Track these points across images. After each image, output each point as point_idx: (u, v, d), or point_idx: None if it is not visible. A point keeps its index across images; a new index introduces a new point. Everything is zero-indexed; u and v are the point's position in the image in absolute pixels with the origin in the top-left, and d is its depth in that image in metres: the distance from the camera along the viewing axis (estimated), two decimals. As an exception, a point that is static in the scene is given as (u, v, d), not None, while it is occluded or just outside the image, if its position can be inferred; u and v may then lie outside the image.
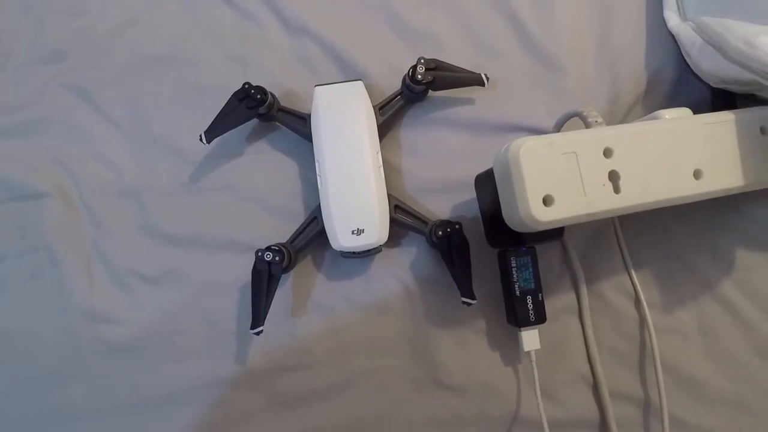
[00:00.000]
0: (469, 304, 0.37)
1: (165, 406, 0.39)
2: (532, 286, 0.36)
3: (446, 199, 0.41)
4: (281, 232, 0.40)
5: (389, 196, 0.39)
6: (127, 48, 0.45)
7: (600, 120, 0.34)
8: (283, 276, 0.38)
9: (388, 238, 0.38)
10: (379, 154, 0.39)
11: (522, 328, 0.36)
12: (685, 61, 0.41)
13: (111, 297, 0.41)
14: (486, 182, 0.37)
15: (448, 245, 0.37)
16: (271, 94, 0.40)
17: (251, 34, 0.45)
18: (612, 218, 0.40)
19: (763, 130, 0.33)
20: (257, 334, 0.36)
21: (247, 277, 0.37)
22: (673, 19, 0.42)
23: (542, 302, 0.36)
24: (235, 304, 0.40)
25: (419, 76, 0.39)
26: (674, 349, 0.39)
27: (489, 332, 0.40)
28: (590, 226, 0.40)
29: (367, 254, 0.38)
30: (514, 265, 0.36)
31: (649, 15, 0.44)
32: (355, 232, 0.37)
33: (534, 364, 0.37)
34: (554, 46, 0.43)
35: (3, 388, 0.40)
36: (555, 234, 0.35)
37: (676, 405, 0.38)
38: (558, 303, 0.40)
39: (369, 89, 0.40)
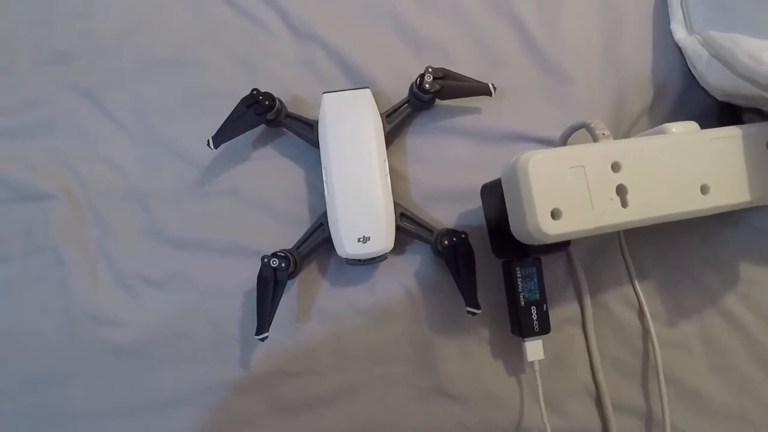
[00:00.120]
0: (473, 314, 0.37)
1: (167, 409, 0.39)
2: (537, 296, 0.36)
3: (452, 208, 0.41)
4: (286, 238, 0.40)
5: (395, 204, 0.39)
6: (134, 50, 0.45)
7: (607, 132, 0.34)
8: (288, 282, 0.38)
9: (393, 245, 0.38)
10: (386, 162, 0.39)
11: (526, 339, 0.36)
12: (691, 73, 0.41)
13: (115, 299, 0.41)
14: (492, 192, 0.37)
15: (454, 254, 0.37)
16: (279, 101, 0.40)
17: (259, 39, 0.45)
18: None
19: (769, 146, 0.33)
20: (262, 340, 0.36)
21: (252, 281, 0.37)
22: (679, 31, 0.42)
23: (547, 313, 0.36)
24: (240, 309, 0.40)
25: (427, 85, 0.39)
26: (677, 361, 0.39)
27: (492, 342, 0.40)
28: (595, 237, 0.40)
29: (372, 262, 0.38)
30: (519, 275, 0.36)
31: (656, 27, 0.44)
32: (361, 239, 0.37)
33: (537, 374, 0.37)
34: (561, 57, 0.43)
35: (4, 388, 0.40)
36: (561, 245, 0.35)
37: (679, 417, 0.38)
38: (562, 313, 0.40)
39: (376, 96, 0.41)
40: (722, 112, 0.40)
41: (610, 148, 0.30)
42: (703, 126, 0.34)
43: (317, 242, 0.39)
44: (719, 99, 0.39)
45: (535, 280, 0.36)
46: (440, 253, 0.38)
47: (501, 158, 0.40)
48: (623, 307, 0.40)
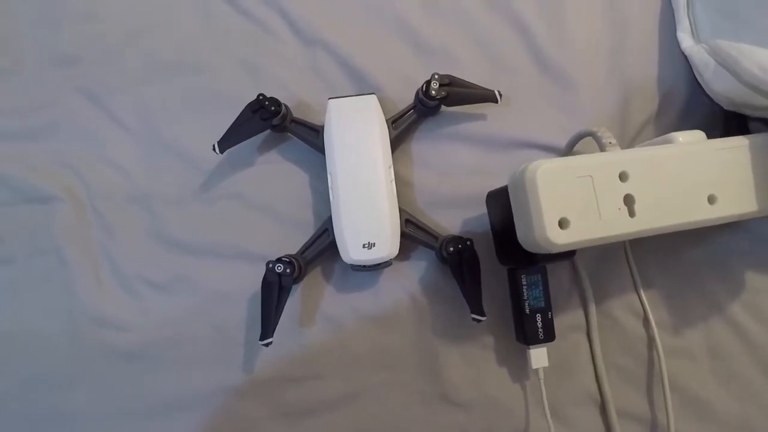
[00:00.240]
0: (478, 321, 0.37)
1: (169, 413, 0.39)
2: (542, 304, 0.36)
3: (457, 214, 0.41)
4: (291, 243, 0.40)
5: (400, 210, 0.39)
6: (140, 54, 0.45)
7: (613, 141, 0.34)
8: (292, 287, 0.38)
9: (398, 251, 0.38)
10: (392, 168, 0.39)
11: (531, 346, 0.36)
12: (697, 81, 0.41)
13: (119, 302, 0.41)
14: (498, 200, 0.37)
15: (459, 261, 0.37)
16: (285, 106, 0.40)
17: (265, 44, 0.45)
18: (622, 238, 0.40)
19: (776, 156, 0.33)
20: (266, 345, 0.36)
21: (256, 286, 0.37)
22: (686, 40, 0.42)
23: (552, 320, 0.36)
24: (243, 313, 0.40)
25: (433, 92, 0.39)
26: (682, 369, 0.39)
27: (497, 349, 0.40)
28: (600, 245, 0.40)
29: (377, 268, 0.38)
30: (524, 283, 0.36)
31: (662, 35, 0.44)
32: (366, 245, 0.37)
33: (542, 381, 0.37)
34: (567, 64, 0.43)
35: (6, 389, 0.40)
36: (567, 254, 0.34)
37: (684, 425, 0.38)
38: (566, 321, 0.40)
39: (381, 102, 0.40)
40: (728, 121, 0.40)
41: (618, 158, 0.30)
42: (708, 135, 0.34)
43: (322, 248, 0.39)
44: (725, 108, 0.39)
45: (541, 287, 0.36)
46: (445, 259, 0.37)
47: (506, 165, 0.40)
48: (628, 315, 0.40)
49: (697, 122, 0.40)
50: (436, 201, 0.42)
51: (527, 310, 0.36)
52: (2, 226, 0.43)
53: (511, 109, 0.43)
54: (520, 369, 0.40)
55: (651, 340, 0.39)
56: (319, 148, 0.40)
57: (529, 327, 0.36)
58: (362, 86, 0.44)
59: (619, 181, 0.29)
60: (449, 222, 0.41)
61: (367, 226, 0.37)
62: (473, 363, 0.40)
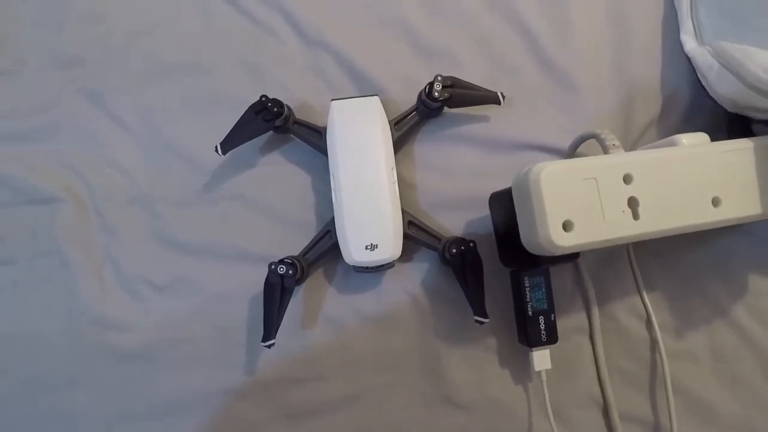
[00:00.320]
0: (481, 323, 0.37)
1: (170, 414, 0.39)
2: (545, 306, 0.36)
3: (460, 216, 0.41)
4: (293, 244, 0.40)
5: (403, 211, 0.39)
6: (143, 55, 0.45)
7: (617, 143, 0.34)
8: (294, 288, 0.38)
9: (401, 253, 0.38)
10: (394, 169, 0.39)
11: (533, 348, 0.36)
12: (700, 83, 0.41)
13: (120, 303, 0.41)
14: (501, 202, 0.36)
15: (462, 263, 0.37)
16: (288, 107, 0.40)
17: (268, 46, 0.45)
18: (625, 240, 0.40)
19: (781, 159, 0.33)
20: (268, 347, 0.36)
21: (258, 287, 0.37)
22: (689, 42, 0.42)
23: (554, 323, 0.36)
24: (245, 314, 0.40)
25: (436, 94, 0.39)
26: (685, 372, 0.39)
27: (499, 351, 0.40)
28: (603, 247, 0.40)
29: (379, 269, 0.38)
30: (527, 285, 0.36)
31: (666, 37, 0.44)
32: (369, 247, 0.37)
33: (544, 384, 0.37)
34: (570, 66, 0.43)
35: (7, 390, 0.40)
36: (570, 256, 0.35)
37: (687, 428, 0.38)
38: (569, 323, 0.40)
39: (384, 104, 0.40)
40: (732, 124, 0.40)
41: (622, 160, 0.30)
42: (712, 137, 0.34)
43: (324, 249, 0.39)
44: (729, 110, 0.39)
45: (544, 289, 0.36)
46: (448, 261, 0.37)
47: (509, 166, 0.40)
48: (631, 317, 0.40)
49: (700, 124, 0.40)
50: (439, 202, 0.42)
51: (530, 312, 0.36)
52: (3, 226, 0.43)
53: (514, 111, 0.43)
54: (522, 371, 0.39)
55: (654, 343, 0.39)
56: (322, 149, 0.40)
57: (532, 329, 0.36)
58: (364, 87, 0.44)
59: (623, 184, 0.29)
60: (452, 224, 0.41)
61: (370, 227, 0.37)
62: (476, 365, 0.39)
